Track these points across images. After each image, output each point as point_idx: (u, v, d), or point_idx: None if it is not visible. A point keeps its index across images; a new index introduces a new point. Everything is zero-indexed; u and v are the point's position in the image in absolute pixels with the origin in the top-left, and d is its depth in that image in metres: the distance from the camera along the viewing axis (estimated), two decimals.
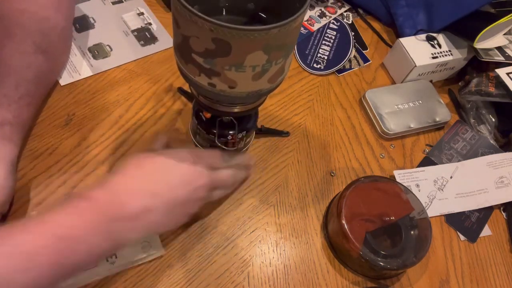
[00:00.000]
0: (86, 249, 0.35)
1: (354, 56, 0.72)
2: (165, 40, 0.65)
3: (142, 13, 0.67)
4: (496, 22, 0.61)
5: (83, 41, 0.62)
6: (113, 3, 0.68)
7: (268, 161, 0.57)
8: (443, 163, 0.61)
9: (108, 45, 0.63)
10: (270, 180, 0.56)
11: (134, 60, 0.62)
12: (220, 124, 0.47)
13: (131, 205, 0.37)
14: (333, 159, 0.59)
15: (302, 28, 0.73)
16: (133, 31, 0.65)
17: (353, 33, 0.74)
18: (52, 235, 0.33)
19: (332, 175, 0.58)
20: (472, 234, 0.56)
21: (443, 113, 0.64)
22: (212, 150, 0.47)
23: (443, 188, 0.59)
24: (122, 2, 0.68)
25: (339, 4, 0.78)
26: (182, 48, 0.36)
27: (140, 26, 0.66)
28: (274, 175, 0.56)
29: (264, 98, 0.45)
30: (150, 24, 0.66)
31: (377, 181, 0.53)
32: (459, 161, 0.62)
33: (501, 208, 0.60)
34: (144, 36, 0.65)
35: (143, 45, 0.64)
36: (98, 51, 0.62)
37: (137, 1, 0.69)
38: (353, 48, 0.72)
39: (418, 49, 0.66)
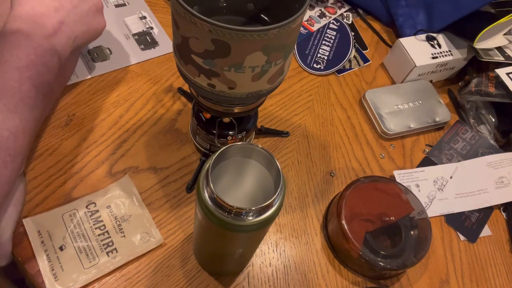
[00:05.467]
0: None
1: (354, 56, 0.72)
2: (166, 45, 0.65)
3: (144, 17, 0.67)
4: (496, 22, 0.61)
5: None
6: (116, 6, 0.68)
7: None
8: (443, 163, 0.61)
9: (108, 48, 0.63)
10: None
11: (133, 64, 0.62)
12: (220, 125, 0.47)
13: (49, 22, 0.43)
14: (333, 159, 0.59)
15: (302, 28, 0.73)
16: (134, 35, 0.65)
17: (353, 33, 0.74)
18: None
19: (332, 175, 0.58)
20: (472, 234, 0.56)
21: (443, 113, 0.64)
22: None
23: (443, 188, 0.59)
24: (125, 5, 0.68)
25: (339, 4, 0.78)
26: (182, 49, 0.36)
27: (141, 30, 0.66)
28: None
29: (263, 98, 0.45)
30: (151, 28, 0.66)
31: (377, 181, 0.53)
32: (459, 161, 0.62)
33: (501, 208, 0.60)
34: (145, 40, 0.65)
35: (143, 49, 0.64)
36: (97, 54, 0.62)
37: (140, 4, 0.69)
38: (353, 48, 0.72)
39: (418, 49, 0.66)
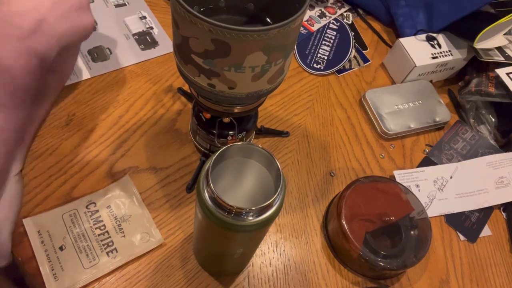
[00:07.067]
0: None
1: (354, 56, 0.72)
2: (166, 45, 0.65)
3: (144, 17, 0.67)
4: (496, 22, 0.61)
5: (83, 43, 0.62)
6: (116, 6, 0.68)
7: None
8: (443, 163, 0.61)
9: (108, 48, 0.63)
10: None
11: (133, 64, 0.62)
12: (220, 125, 0.47)
13: (26, 22, 0.40)
14: (333, 159, 0.59)
15: (302, 28, 0.73)
16: (134, 35, 0.65)
17: (353, 33, 0.74)
18: None
19: (332, 175, 0.58)
20: (472, 234, 0.56)
21: (443, 113, 0.64)
22: None
23: (443, 188, 0.59)
24: (125, 5, 0.68)
25: (339, 4, 0.78)
26: (182, 49, 0.36)
27: (141, 30, 0.66)
28: None
29: (263, 98, 0.45)
30: (151, 28, 0.66)
31: (377, 181, 0.53)
32: (459, 161, 0.62)
33: (501, 208, 0.60)
34: (145, 40, 0.65)
35: (143, 49, 0.64)
36: (97, 54, 0.62)
37: (140, 4, 0.69)
38: (353, 48, 0.72)
39: (418, 49, 0.66)
